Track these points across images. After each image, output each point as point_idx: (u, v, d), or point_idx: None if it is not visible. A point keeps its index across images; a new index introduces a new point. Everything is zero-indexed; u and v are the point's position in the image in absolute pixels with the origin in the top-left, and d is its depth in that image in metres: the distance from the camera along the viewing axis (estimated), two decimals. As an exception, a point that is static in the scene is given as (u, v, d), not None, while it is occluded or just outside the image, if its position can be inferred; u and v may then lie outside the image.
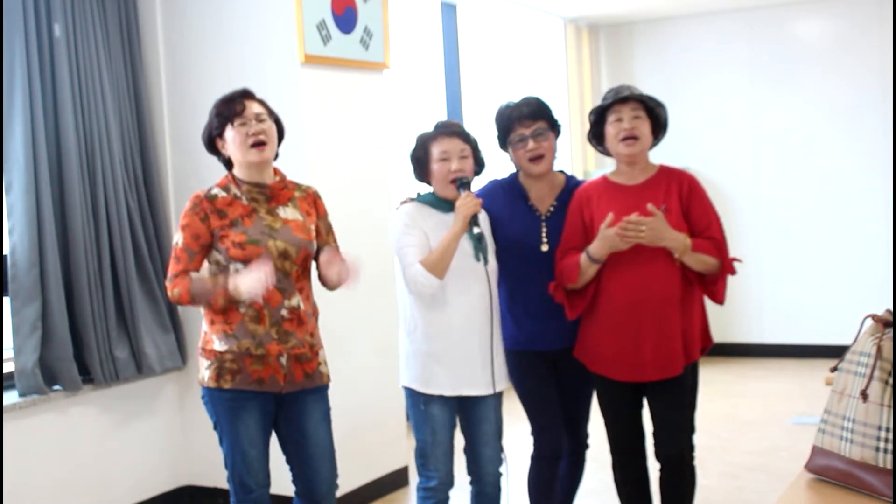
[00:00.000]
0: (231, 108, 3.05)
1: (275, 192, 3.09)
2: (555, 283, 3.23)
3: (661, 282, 3.12)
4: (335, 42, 4.36)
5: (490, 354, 3.21)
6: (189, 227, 3.01)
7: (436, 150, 3.20)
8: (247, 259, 2.98)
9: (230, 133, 3.04)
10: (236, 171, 3.10)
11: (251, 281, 2.88)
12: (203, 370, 3.07)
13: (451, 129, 3.24)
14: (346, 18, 4.42)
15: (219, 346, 3.02)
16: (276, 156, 3.15)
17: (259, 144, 3.03)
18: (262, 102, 3.13)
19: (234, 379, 3.01)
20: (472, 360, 3.19)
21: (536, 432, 3.40)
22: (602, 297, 3.19)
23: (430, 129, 3.29)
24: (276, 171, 3.15)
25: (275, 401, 3.09)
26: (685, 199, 3.18)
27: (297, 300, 3.06)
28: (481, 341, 3.20)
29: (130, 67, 4.36)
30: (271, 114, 3.13)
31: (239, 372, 3.01)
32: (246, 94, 3.10)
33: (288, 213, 3.09)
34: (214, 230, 3.00)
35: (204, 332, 3.09)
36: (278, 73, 4.20)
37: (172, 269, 3.02)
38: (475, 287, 3.19)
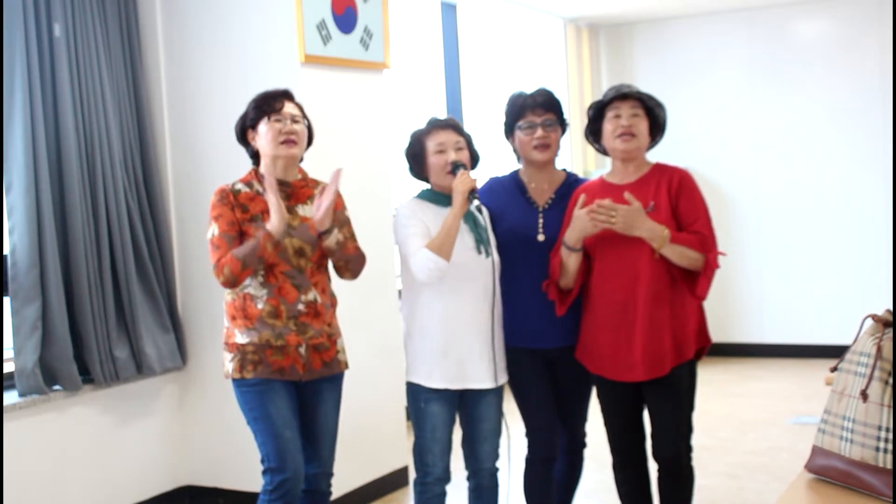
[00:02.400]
0: (270, 104, 3.16)
1: (295, 191, 3.20)
2: (547, 280, 3.25)
3: (649, 280, 3.10)
4: (335, 42, 4.36)
5: (493, 347, 3.23)
6: (222, 216, 3.10)
7: (431, 144, 3.24)
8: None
9: (264, 127, 3.15)
10: (262, 166, 3.21)
11: (274, 213, 3.01)
12: (227, 363, 3.16)
13: (445, 123, 3.29)
14: (346, 18, 4.42)
15: (240, 338, 3.12)
16: (301, 159, 3.26)
17: (290, 142, 3.14)
18: (299, 106, 3.24)
19: (256, 369, 3.10)
20: (475, 354, 3.21)
21: (530, 433, 3.40)
22: (595, 297, 3.20)
23: (422, 126, 3.33)
24: (299, 170, 3.27)
25: (294, 388, 3.18)
26: (674, 194, 3.15)
27: (313, 294, 3.15)
28: (484, 334, 3.22)
29: (130, 67, 4.36)
30: (305, 118, 3.25)
31: (260, 362, 3.10)
32: (286, 95, 3.23)
33: (307, 210, 3.19)
34: (239, 221, 3.11)
35: (226, 327, 3.19)
36: (278, 73, 4.20)
37: (213, 257, 3.09)
38: (478, 280, 3.22)
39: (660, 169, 3.24)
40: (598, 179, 3.31)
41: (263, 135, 3.15)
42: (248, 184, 3.18)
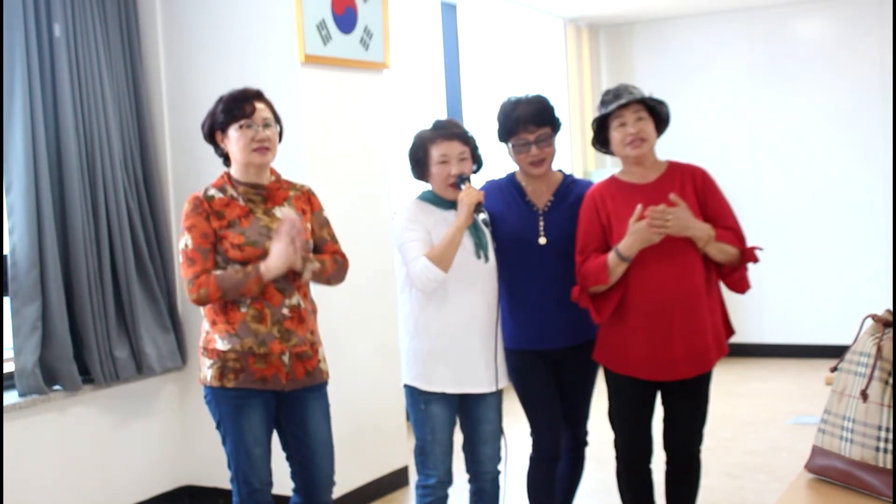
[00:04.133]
0: (241, 108, 3.05)
1: (271, 193, 3.11)
2: (578, 287, 3.20)
3: (686, 278, 3.13)
4: (335, 42, 4.36)
5: (493, 351, 3.22)
6: (195, 227, 3.01)
7: (435, 153, 3.20)
8: (245, 260, 2.99)
9: (234, 133, 3.05)
10: (233, 170, 3.11)
11: (277, 255, 2.93)
12: (205, 369, 3.08)
13: (451, 132, 3.23)
14: (346, 18, 4.42)
15: (221, 345, 3.03)
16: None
17: (262, 150, 3.04)
18: (270, 106, 3.14)
19: (238, 378, 3.02)
20: (475, 358, 3.20)
21: (535, 433, 3.40)
22: (629, 298, 3.18)
23: (428, 127, 3.29)
24: (271, 171, 3.17)
25: (276, 398, 3.11)
26: (700, 193, 3.20)
27: (297, 298, 3.08)
28: (483, 338, 3.20)
29: (130, 67, 4.36)
30: (277, 119, 3.15)
31: (242, 371, 3.02)
32: (258, 96, 3.11)
33: (284, 212, 3.10)
34: (214, 231, 3.01)
35: (205, 331, 3.09)
36: (278, 73, 4.20)
37: (188, 271, 2.99)
38: (477, 284, 3.20)
39: (676, 168, 3.27)
40: (610, 180, 3.29)
41: (234, 141, 3.05)
42: (222, 188, 3.07)
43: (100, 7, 4.19)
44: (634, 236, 3.07)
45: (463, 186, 3.16)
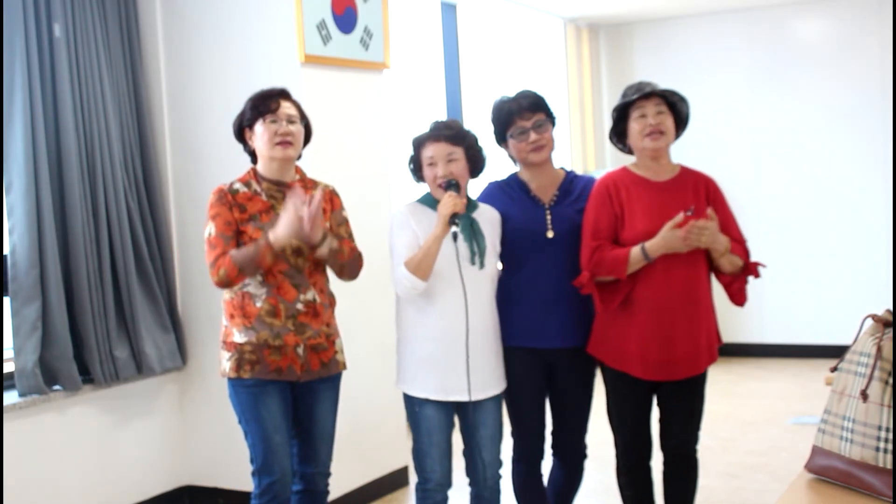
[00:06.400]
0: (266, 104, 3.16)
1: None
2: (588, 274, 3.18)
3: (693, 282, 3.15)
4: (335, 42, 4.36)
5: (485, 359, 3.19)
6: (220, 215, 3.11)
7: (424, 155, 3.21)
8: None
9: (260, 128, 3.15)
10: (259, 165, 3.21)
11: (283, 224, 3.00)
12: (224, 362, 3.16)
13: (439, 133, 3.20)
14: (346, 18, 4.42)
15: (238, 337, 3.12)
16: (299, 156, 3.25)
17: (285, 143, 3.13)
18: (296, 105, 3.24)
19: (254, 369, 3.10)
20: (463, 366, 3.15)
21: (516, 434, 3.39)
22: (634, 294, 3.17)
23: (424, 130, 3.28)
24: (297, 170, 3.26)
25: (290, 388, 3.18)
26: (711, 201, 3.23)
27: (311, 294, 3.16)
28: (474, 346, 3.16)
29: (130, 67, 4.37)
30: (303, 117, 3.25)
31: (258, 362, 3.10)
32: (283, 94, 3.22)
33: (304, 210, 3.13)
34: (237, 220, 3.11)
35: (224, 325, 3.19)
36: (278, 73, 4.20)
37: (210, 256, 3.10)
38: (469, 291, 3.15)
39: (688, 173, 3.29)
40: (622, 171, 3.28)
41: (259, 135, 3.15)
42: (247, 183, 3.18)
43: (100, 7, 4.19)
44: (665, 241, 3.08)
45: (446, 194, 3.11)
